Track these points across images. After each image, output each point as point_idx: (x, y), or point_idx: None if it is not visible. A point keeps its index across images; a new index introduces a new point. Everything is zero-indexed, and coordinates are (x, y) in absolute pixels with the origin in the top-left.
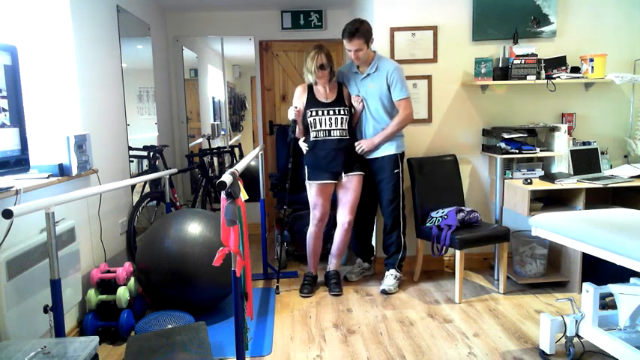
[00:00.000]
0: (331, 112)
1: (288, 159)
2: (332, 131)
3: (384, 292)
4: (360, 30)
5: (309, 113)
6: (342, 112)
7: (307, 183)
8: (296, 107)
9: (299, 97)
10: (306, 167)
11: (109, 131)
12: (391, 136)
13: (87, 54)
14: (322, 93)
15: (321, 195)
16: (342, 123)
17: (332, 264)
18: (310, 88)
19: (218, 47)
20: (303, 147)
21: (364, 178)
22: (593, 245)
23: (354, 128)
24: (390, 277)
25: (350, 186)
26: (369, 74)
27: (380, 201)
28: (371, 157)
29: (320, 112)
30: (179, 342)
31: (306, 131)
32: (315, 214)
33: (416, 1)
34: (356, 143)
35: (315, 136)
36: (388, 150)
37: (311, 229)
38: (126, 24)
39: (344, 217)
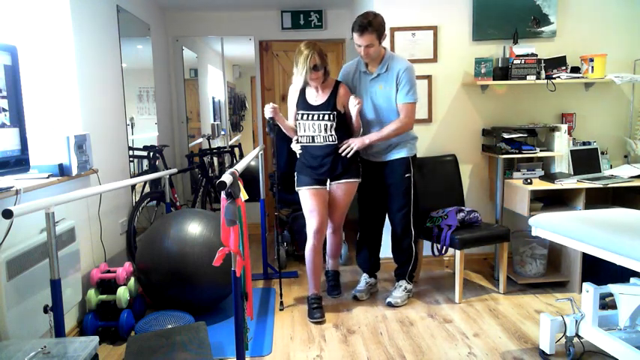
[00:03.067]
0: (315, 117)
1: (277, 160)
2: (315, 137)
3: (389, 304)
4: (372, 24)
5: (297, 116)
6: (326, 117)
7: (298, 191)
8: (273, 106)
9: (292, 97)
10: (295, 173)
11: (109, 131)
12: (382, 140)
13: (87, 54)
14: (313, 94)
15: (315, 201)
16: (326, 129)
17: (329, 264)
18: (303, 87)
19: (218, 47)
20: (296, 149)
21: (372, 186)
22: (593, 245)
23: (354, 133)
24: (399, 290)
25: (338, 195)
26: (379, 74)
27: (389, 207)
28: (380, 160)
29: (305, 117)
30: (179, 342)
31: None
32: (312, 224)
33: (416, 1)
34: (343, 143)
35: (301, 141)
36: (399, 153)
37: (310, 244)
38: (126, 24)
39: (331, 223)
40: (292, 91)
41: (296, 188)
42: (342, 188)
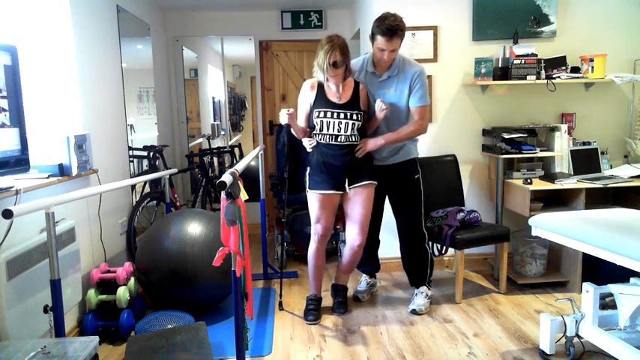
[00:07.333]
0: (341, 116)
1: (284, 167)
2: (339, 137)
3: (414, 312)
4: (401, 27)
5: (316, 114)
6: (354, 116)
7: (308, 192)
8: (289, 110)
9: (305, 94)
10: (307, 174)
11: (109, 131)
12: (398, 141)
13: (87, 54)
14: (334, 92)
15: (325, 207)
16: (352, 128)
17: (341, 278)
18: (321, 84)
19: (218, 47)
20: (307, 145)
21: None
22: (593, 245)
23: (368, 136)
24: (421, 296)
25: (358, 199)
26: (389, 77)
27: (400, 211)
28: (386, 163)
29: (328, 114)
30: (179, 342)
31: (310, 132)
32: (317, 229)
33: (416, 1)
34: (359, 145)
35: (320, 140)
36: (408, 154)
37: (312, 247)
38: (126, 24)
39: (353, 238)
40: (306, 88)
41: (308, 190)
42: (364, 192)
